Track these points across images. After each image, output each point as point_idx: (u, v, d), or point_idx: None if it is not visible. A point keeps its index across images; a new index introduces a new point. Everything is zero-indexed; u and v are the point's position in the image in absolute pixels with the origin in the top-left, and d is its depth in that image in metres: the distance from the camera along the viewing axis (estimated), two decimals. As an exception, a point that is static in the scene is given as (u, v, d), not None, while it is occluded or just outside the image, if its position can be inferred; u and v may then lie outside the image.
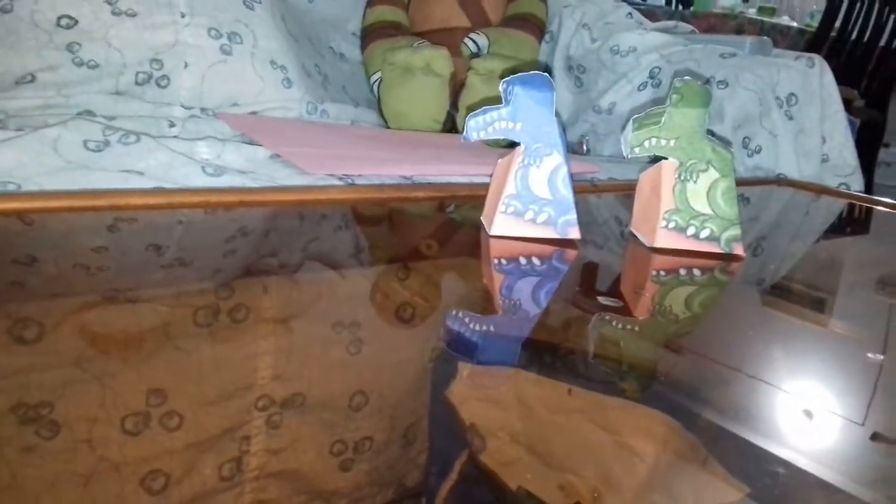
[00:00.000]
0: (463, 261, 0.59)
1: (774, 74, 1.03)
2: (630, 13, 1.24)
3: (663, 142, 0.58)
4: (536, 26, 1.26)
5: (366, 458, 0.34)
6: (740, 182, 1.03)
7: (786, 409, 0.41)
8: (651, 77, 1.12)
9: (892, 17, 2.30)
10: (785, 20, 2.96)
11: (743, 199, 1.00)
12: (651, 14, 1.65)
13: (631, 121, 0.57)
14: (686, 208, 0.58)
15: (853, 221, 0.94)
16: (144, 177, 0.62)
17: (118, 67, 0.86)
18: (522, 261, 0.56)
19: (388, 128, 1.11)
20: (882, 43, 2.32)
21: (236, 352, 0.41)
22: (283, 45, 1.00)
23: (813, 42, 2.34)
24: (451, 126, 1.12)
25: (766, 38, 1.12)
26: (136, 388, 0.36)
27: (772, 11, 3.11)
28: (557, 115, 0.57)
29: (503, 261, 0.56)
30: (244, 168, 0.71)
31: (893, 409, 0.41)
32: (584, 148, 1.13)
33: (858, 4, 2.34)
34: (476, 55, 1.21)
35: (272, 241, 0.58)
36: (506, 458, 0.34)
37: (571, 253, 0.57)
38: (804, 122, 1.02)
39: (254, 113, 0.94)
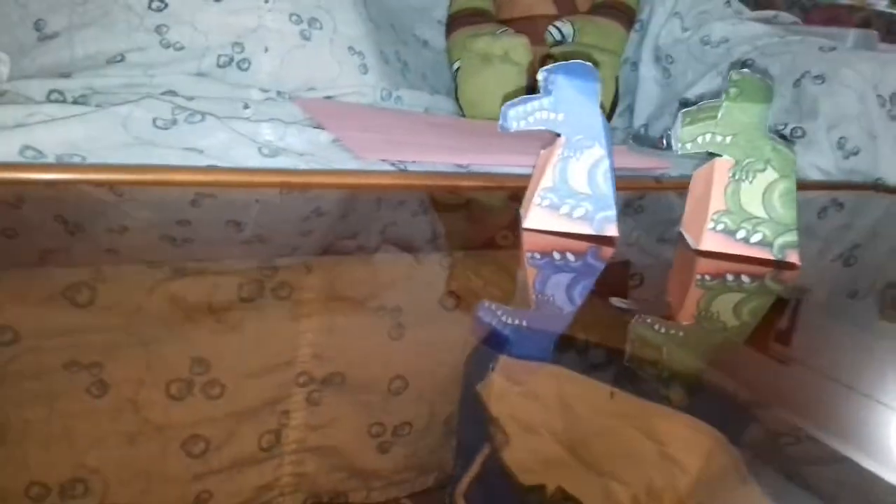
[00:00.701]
0: (499, 253, 0.58)
1: (878, 70, 0.95)
2: (728, 1, 1.17)
3: (719, 138, 0.55)
4: (626, 14, 1.22)
5: (404, 443, 0.35)
6: (834, 185, 0.96)
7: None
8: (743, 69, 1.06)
9: None
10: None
11: (836, 205, 0.94)
12: (770, 3, 1.56)
13: (681, 114, 0.54)
14: (738, 210, 0.55)
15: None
16: (203, 155, 0.65)
17: (201, 50, 0.90)
18: (556, 256, 0.54)
19: (464, 116, 1.11)
20: None
21: (279, 328, 0.43)
22: (362, 31, 1.01)
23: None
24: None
25: (872, 31, 1.04)
26: (181, 356, 0.37)
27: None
28: (602, 106, 0.55)
29: (537, 255, 0.55)
30: (304, 150, 0.72)
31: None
32: (665, 143, 1.09)
33: None
34: (560, 43, 1.19)
35: (315, 223, 0.59)
36: (547, 457, 0.34)
37: (608, 251, 0.55)
38: (909, 123, 0.94)
39: (329, 98, 0.96)
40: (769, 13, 1.14)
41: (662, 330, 0.46)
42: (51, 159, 0.58)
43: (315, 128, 0.78)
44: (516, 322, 0.45)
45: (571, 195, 0.55)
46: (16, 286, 0.43)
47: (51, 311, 0.41)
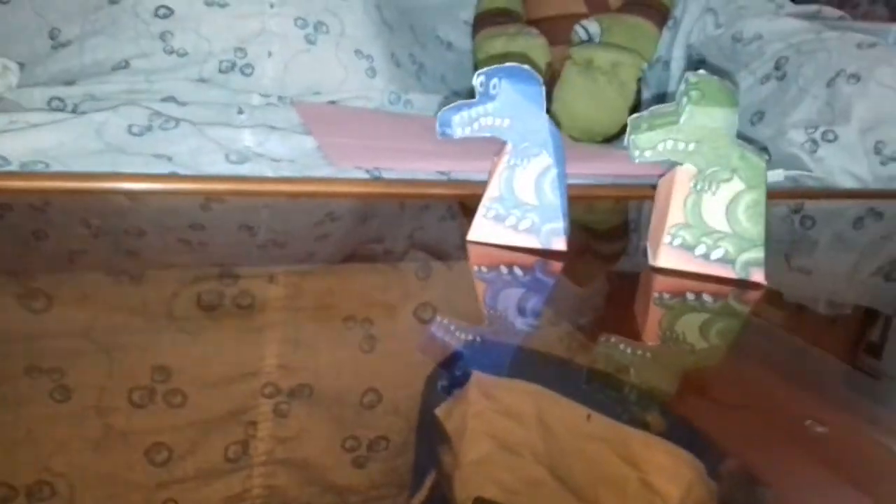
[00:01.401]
0: (443, 265, 0.55)
1: (922, 68, 0.87)
2: (768, -5, 1.10)
3: (681, 145, 0.50)
4: (658, 12, 1.16)
5: (381, 458, 0.34)
6: (871, 194, 0.89)
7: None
8: (776, 68, 0.99)
9: None
10: None
11: (874, 214, 0.87)
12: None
13: (631, 120, 0.50)
14: (698, 223, 0.50)
15: None
16: (171, 162, 0.65)
17: (204, 55, 0.90)
18: (502, 270, 0.52)
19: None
20: None
21: (241, 338, 0.43)
22: (371, 34, 1.00)
23: None
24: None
25: (920, 24, 0.95)
26: (142, 363, 0.38)
27: None
28: (548, 111, 0.52)
29: (483, 268, 0.52)
30: (281, 157, 0.72)
31: None
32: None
33: None
34: (587, 43, 1.14)
35: (281, 232, 0.59)
36: (529, 478, 0.34)
37: (556, 266, 0.52)
38: (957, 127, 0.86)
39: (333, 102, 0.95)
40: (812, 8, 1.06)
41: (628, 350, 0.44)
42: (14, 167, 0.60)
43: (304, 134, 0.77)
44: (469, 340, 0.43)
45: (517, 206, 0.52)
46: None
47: (8, 317, 0.41)
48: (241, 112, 0.83)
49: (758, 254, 0.50)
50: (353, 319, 0.46)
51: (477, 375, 0.41)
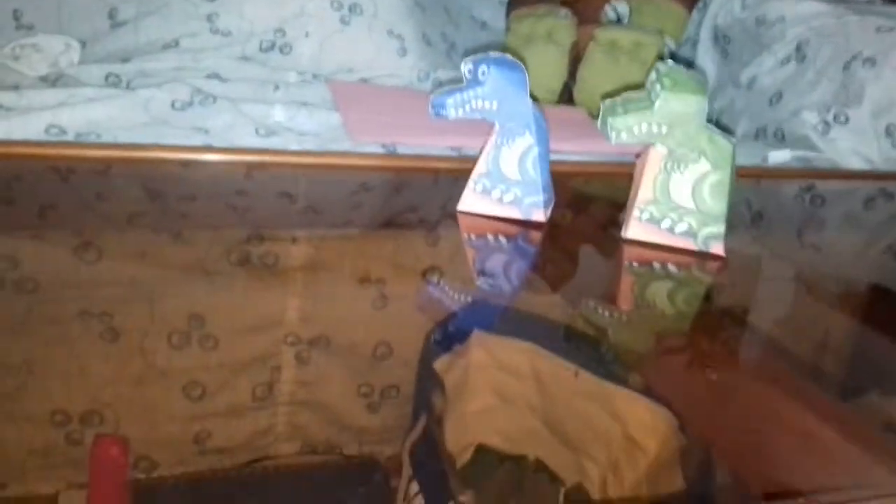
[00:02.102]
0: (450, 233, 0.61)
1: (939, 52, 0.88)
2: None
3: (655, 128, 0.55)
4: (688, -7, 1.18)
5: (392, 404, 0.38)
6: (881, 175, 0.91)
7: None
8: (797, 50, 1.01)
9: None
10: None
11: (885, 195, 0.89)
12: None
13: (604, 104, 0.55)
14: (665, 200, 0.55)
15: None
16: (208, 134, 0.73)
17: (246, 35, 0.98)
18: (489, 238, 0.57)
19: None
20: None
21: (266, 291, 0.48)
22: (403, 15, 1.06)
23: None
24: (568, 97, 1.11)
25: (941, 8, 0.95)
26: (179, 311, 0.44)
27: None
28: (533, 96, 0.57)
29: (473, 236, 0.58)
30: (307, 131, 0.79)
31: None
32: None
33: None
34: (617, 23, 1.17)
35: (304, 200, 0.65)
36: (526, 428, 0.38)
37: (535, 235, 0.57)
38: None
39: (365, 80, 1.02)
40: (840, -11, 1.07)
41: (606, 314, 0.48)
42: (70, 136, 0.68)
43: (332, 110, 0.84)
44: (462, 300, 0.48)
45: (503, 181, 0.57)
46: (33, 246, 0.52)
47: (64, 266, 0.48)
48: (276, 89, 0.90)
49: (718, 229, 0.54)
50: (368, 280, 0.51)
51: (477, 333, 0.45)
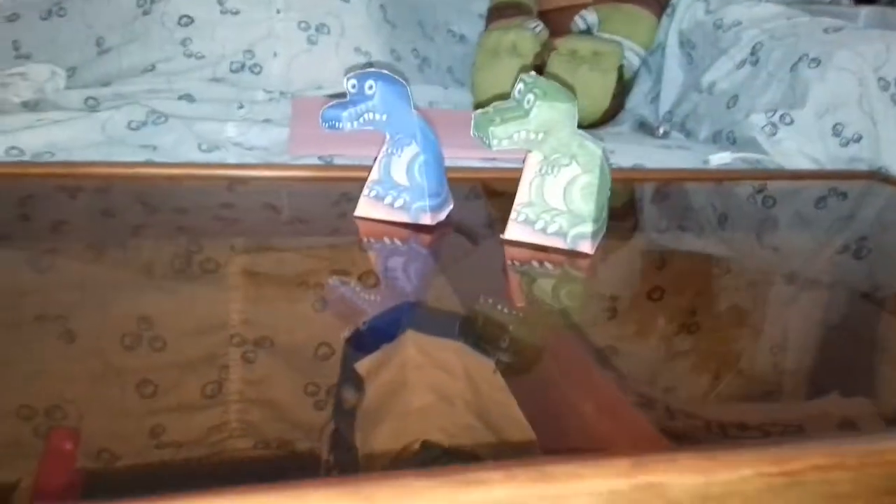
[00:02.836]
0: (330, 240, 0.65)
1: (882, 52, 0.88)
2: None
3: (532, 135, 0.58)
4: (657, 0, 1.20)
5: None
6: (830, 175, 0.91)
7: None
8: (752, 53, 1.02)
9: None
10: None
11: (837, 195, 0.89)
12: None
13: (479, 115, 0.58)
14: (540, 202, 0.58)
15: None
16: (156, 151, 0.79)
17: (218, 58, 1.04)
18: (385, 241, 0.62)
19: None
20: None
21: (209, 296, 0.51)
22: (370, 32, 1.11)
23: None
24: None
25: (890, 8, 0.95)
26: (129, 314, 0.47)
27: None
28: (416, 108, 0.61)
29: (372, 239, 0.62)
30: (258, 146, 0.84)
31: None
32: (661, 130, 1.07)
33: None
34: (586, 33, 1.20)
35: (243, 211, 0.71)
36: (463, 423, 0.39)
37: (424, 238, 0.61)
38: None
39: (333, 96, 1.07)
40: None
41: (504, 310, 0.51)
42: (27, 157, 0.75)
43: (285, 126, 0.89)
44: (369, 302, 0.51)
45: (393, 187, 0.61)
46: None
47: (20, 275, 0.53)
48: (241, 107, 0.97)
49: (586, 228, 0.57)
50: (305, 284, 0.55)
51: (410, 333, 0.47)
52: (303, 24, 1.07)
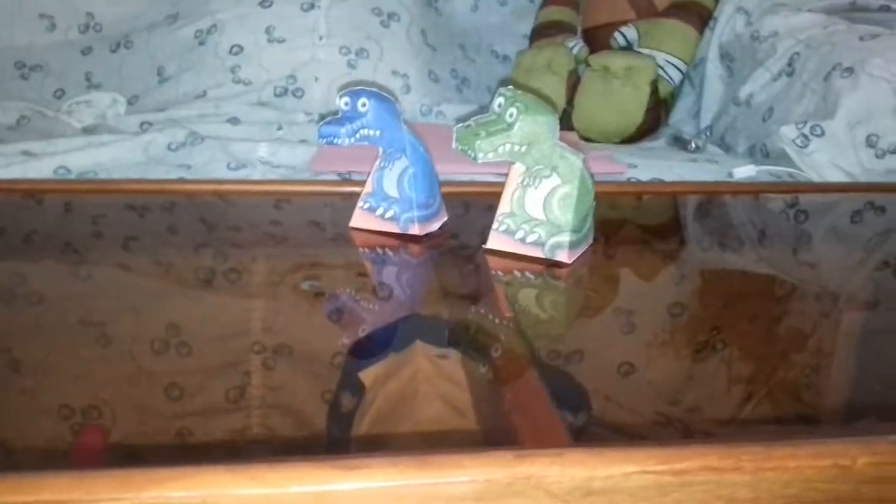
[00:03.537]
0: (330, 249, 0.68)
1: (918, 58, 0.85)
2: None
3: (516, 147, 0.60)
4: (698, 14, 1.19)
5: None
6: (866, 187, 0.88)
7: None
8: (788, 64, 0.99)
9: None
10: None
11: (874, 208, 0.86)
12: None
13: (460, 130, 0.60)
14: (521, 213, 0.60)
15: None
16: (191, 170, 0.85)
17: (263, 83, 1.11)
18: (378, 251, 0.64)
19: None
20: None
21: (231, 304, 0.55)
22: (409, 55, 1.15)
23: None
24: (568, 123, 1.14)
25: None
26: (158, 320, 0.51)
27: None
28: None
29: (366, 250, 0.65)
30: (285, 164, 0.89)
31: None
32: (693, 145, 1.06)
33: None
34: (627, 48, 1.20)
35: (267, 226, 0.75)
36: (454, 425, 0.41)
37: (413, 248, 0.63)
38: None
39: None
40: (842, 0, 1.04)
41: (495, 320, 0.53)
42: (73, 175, 0.83)
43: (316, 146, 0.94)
44: (369, 310, 0.54)
45: (385, 199, 0.64)
46: (36, 267, 0.63)
47: (63, 282, 0.58)
48: (279, 128, 1.02)
49: (563, 238, 0.58)
50: (323, 295, 0.57)
51: (420, 344, 0.49)
52: (343, 49, 1.13)
